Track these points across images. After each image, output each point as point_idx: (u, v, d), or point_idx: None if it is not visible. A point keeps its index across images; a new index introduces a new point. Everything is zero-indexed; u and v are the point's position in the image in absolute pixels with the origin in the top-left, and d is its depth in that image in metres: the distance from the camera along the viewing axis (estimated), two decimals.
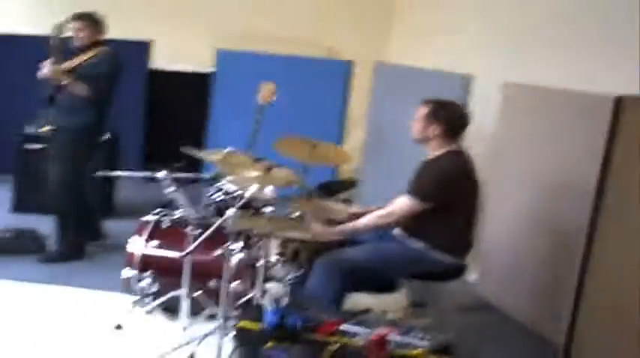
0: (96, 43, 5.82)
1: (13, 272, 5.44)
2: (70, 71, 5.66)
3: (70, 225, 5.92)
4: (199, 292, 4.43)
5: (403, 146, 5.43)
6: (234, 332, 3.47)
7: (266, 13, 9.33)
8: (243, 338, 3.37)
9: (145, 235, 4.75)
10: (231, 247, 3.94)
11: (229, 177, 4.68)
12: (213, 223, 3.86)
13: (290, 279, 4.53)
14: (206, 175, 4.53)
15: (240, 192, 4.58)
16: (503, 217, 5.63)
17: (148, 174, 4.53)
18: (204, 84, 8.65)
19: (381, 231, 4.56)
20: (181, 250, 4.22)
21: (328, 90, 8.26)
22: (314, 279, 4.26)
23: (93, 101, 5.70)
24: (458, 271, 4.48)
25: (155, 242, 4.68)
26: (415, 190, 4.29)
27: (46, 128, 6.70)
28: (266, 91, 5.64)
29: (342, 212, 4.75)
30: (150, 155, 8.83)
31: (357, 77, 8.22)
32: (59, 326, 4.61)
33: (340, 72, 8.25)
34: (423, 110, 4.38)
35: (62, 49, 5.57)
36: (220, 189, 4.74)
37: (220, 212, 4.65)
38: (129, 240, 4.77)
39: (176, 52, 9.05)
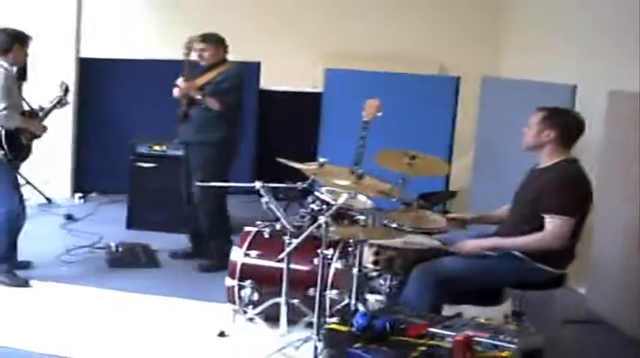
0: (220, 62, 6.12)
1: (125, 283, 5.68)
2: (200, 88, 6.00)
3: (217, 236, 6.16)
4: (296, 300, 4.50)
5: (512, 158, 5.41)
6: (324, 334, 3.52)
7: (373, 32, 9.42)
8: (332, 339, 3.43)
9: (246, 246, 4.88)
10: (324, 253, 3.99)
11: (324, 188, 4.76)
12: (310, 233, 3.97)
13: (388, 289, 4.58)
14: (299, 185, 4.59)
15: (334, 201, 4.65)
16: (613, 229, 5.50)
17: (244, 184, 4.67)
18: (313, 103, 8.80)
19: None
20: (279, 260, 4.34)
21: (436, 106, 8.25)
22: (410, 289, 4.27)
23: (224, 116, 6.01)
24: (558, 281, 4.39)
25: (255, 252, 4.81)
26: (567, 209, 4.16)
27: (158, 147, 7.07)
28: (371, 108, 5.67)
29: (439, 222, 4.76)
30: (260, 175, 9.01)
31: (466, 92, 8.19)
32: (167, 334, 4.81)
33: (448, 87, 8.24)
34: (538, 116, 4.32)
35: (192, 66, 5.92)
36: (317, 199, 4.82)
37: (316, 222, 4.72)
38: (231, 251, 4.92)
39: (285, 73, 9.25)
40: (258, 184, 4.34)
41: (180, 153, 6.62)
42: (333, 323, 3.66)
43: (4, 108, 5.25)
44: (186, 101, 6.09)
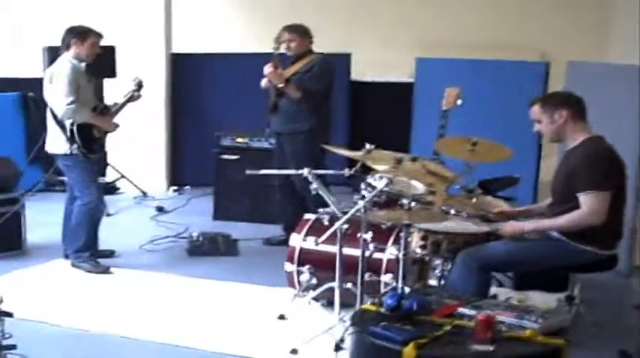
0: (306, 53, 6.32)
1: (200, 270, 5.97)
2: (288, 79, 6.19)
3: None
4: (350, 284, 4.62)
5: None
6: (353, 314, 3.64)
7: (469, 20, 9.38)
8: (359, 318, 3.54)
9: (304, 232, 5.04)
10: (364, 238, 4.11)
11: (377, 174, 4.85)
12: (361, 218, 4.12)
13: (440, 273, 4.66)
14: (346, 172, 4.71)
15: (386, 187, 4.74)
16: None
17: (293, 172, 4.83)
18: (405, 93, 8.83)
19: None
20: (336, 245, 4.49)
21: (526, 93, 8.11)
22: (455, 273, 4.34)
23: (312, 105, 6.19)
24: (608, 263, 4.36)
25: (312, 238, 4.94)
26: (593, 184, 4.12)
27: (241, 139, 7.30)
28: (450, 96, 5.71)
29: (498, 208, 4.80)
30: (353, 165, 9.13)
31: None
32: (230, 317, 5.05)
33: (537, 73, 8.11)
34: (537, 107, 4.34)
35: (279, 57, 6.13)
36: (369, 186, 4.92)
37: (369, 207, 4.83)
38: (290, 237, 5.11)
39: (376, 63, 9.33)
40: (305, 171, 4.48)
41: (264, 145, 6.87)
42: (368, 304, 3.76)
43: (71, 102, 5.52)
44: (275, 92, 6.31)
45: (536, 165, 7.63)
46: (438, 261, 4.72)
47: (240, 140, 7.49)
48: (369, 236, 4.40)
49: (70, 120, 5.57)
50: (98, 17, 9.42)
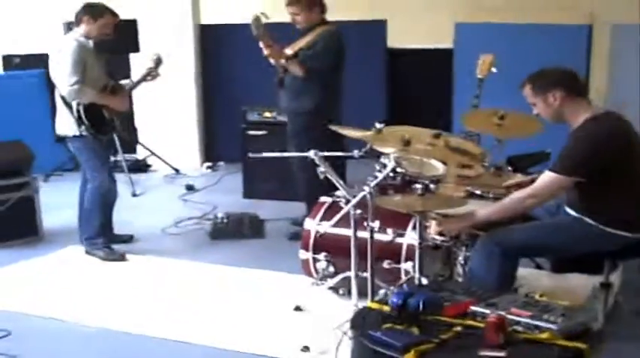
0: (317, 25, 5.87)
1: (219, 256, 5.71)
2: (295, 54, 5.80)
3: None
4: (366, 273, 4.31)
5: None
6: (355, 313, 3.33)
7: None
8: (360, 320, 3.23)
9: (319, 216, 4.73)
10: (371, 226, 3.80)
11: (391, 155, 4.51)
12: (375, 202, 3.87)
13: (463, 261, 4.32)
14: (356, 153, 4.36)
15: (396, 170, 4.41)
16: None
17: (297, 154, 4.53)
18: (444, 60, 8.45)
19: (553, 208, 4.19)
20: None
21: (568, 58, 7.70)
22: (475, 260, 4.00)
23: (318, 82, 5.78)
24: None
25: (328, 223, 4.63)
26: (557, 165, 3.86)
27: (269, 114, 7.00)
28: (485, 64, 5.37)
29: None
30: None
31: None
32: (244, 306, 4.77)
33: (579, 37, 7.68)
34: (527, 90, 3.99)
35: (265, 33, 5.62)
36: (385, 166, 4.58)
37: (384, 190, 4.51)
38: (304, 222, 4.80)
39: (414, 29, 8.93)
40: (311, 153, 4.17)
41: None
42: (374, 301, 3.45)
43: (75, 83, 5.25)
44: (282, 67, 5.94)
45: None
46: (462, 248, 4.35)
47: (267, 115, 7.20)
48: (382, 221, 4.05)
49: (77, 101, 5.30)
50: None
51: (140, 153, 8.70)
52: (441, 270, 4.63)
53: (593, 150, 3.81)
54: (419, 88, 8.93)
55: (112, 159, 7.94)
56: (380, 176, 3.96)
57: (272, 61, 5.91)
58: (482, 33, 8.03)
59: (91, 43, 5.48)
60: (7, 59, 8.80)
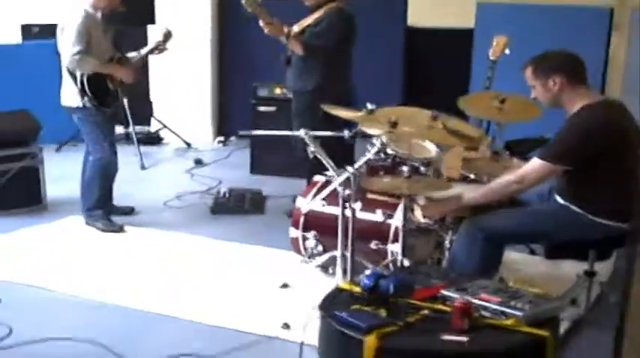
0: (326, 1, 5.76)
1: (217, 230, 5.74)
2: (302, 32, 5.74)
3: None
4: (348, 253, 4.31)
5: None
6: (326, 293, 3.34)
7: None
8: (330, 300, 3.24)
9: (311, 195, 4.74)
10: (353, 209, 3.81)
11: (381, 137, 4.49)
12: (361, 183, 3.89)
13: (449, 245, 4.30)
14: (346, 133, 4.36)
15: (389, 150, 4.40)
16: None
17: (287, 133, 4.54)
18: (464, 40, 8.34)
19: (545, 193, 4.16)
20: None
21: (589, 41, 7.57)
22: (457, 244, 3.99)
23: (322, 61, 5.70)
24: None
25: (318, 201, 4.63)
26: (545, 151, 3.85)
27: (279, 90, 6.98)
28: (498, 45, 5.32)
29: None
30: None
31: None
32: (234, 281, 4.82)
33: (601, 19, 7.53)
34: (529, 72, 3.94)
35: (262, 10, 5.62)
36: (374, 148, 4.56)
37: (375, 171, 4.50)
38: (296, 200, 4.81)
39: (434, 8, 8.82)
40: (302, 132, 4.17)
41: None
42: (346, 282, 3.45)
43: (77, 52, 5.25)
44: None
45: None
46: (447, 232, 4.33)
47: (278, 91, 7.18)
48: (372, 202, 4.05)
49: (80, 71, 5.33)
50: None
51: (153, 126, 8.72)
52: (433, 254, 4.62)
53: (585, 138, 3.77)
54: (438, 67, 8.81)
55: (124, 130, 8.05)
56: (364, 158, 3.94)
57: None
58: (504, 13, 7.88)
59: (99, 14, 5.49)
60: (26, 28, 8.83)
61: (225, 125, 8.90)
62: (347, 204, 4.05)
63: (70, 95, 5.46)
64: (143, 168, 7.45)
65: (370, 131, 4.12)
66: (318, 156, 4.19)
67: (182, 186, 6.80)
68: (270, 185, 6.73)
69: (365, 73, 8.64)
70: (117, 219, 5.76)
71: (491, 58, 5.26)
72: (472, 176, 4.42)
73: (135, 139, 7.77)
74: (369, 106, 4.13)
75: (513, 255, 4.93)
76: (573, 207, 3.86)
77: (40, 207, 6.07)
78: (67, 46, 5.31)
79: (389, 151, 4.43)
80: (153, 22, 8.08)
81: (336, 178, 4.06)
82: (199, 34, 8.58)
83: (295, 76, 5.92)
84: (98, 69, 5.41)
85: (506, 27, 7.08)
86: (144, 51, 5.90)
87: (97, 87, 5.41)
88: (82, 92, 5.36)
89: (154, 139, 8.53)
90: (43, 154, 6.11)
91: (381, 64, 8.60)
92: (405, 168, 3.96)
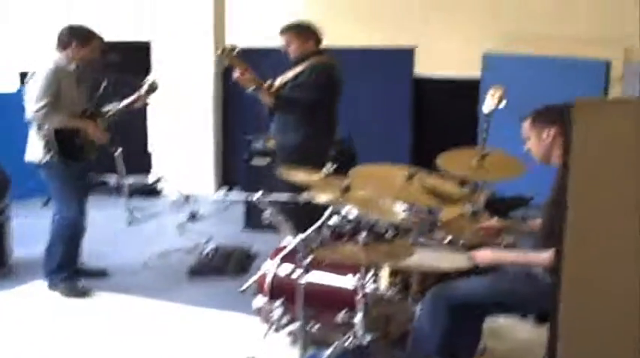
0: (311, 54, 5.53)
1: (189, 295, 5.39)
2: (284, 85, 5.51)
3: None
4: (315, 325, 3.94)
5: None
6: None
7: (540, 13, 8.48)
8: None
9: (277, 260, 4.36)
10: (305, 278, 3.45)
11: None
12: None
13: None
14: (303, 198, 4.01)
15: (353, 215, 4.04)
16: None
17: (240, 199, 4.21)
18: (471, 90, 8.06)
19: None
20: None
21: (586, 93, 7.28)
22: (423, 315, 3.59)
23: (303, 117, 5.43)
24: None
25: (290, 265, 4.24)
26: None
27: (270, 142, 6.68)
28: (493, 97, 4.97)
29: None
30: (417, 164, 8.41)
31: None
32: (200, 351, 4.47)
33: (598, 73, 7.30)
34: (527, 124, 3.66)
35: (239, 61, 5.45)
36: (337, 212, 4.19)
37: (339, 237, 4.13)
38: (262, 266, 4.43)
39: (441, 58, 8.60)
40: (257, 195, 3.83)
41: None
42: None
43: (43, 106, 4.97)
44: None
45: None
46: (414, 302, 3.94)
47: (272, 143, 6.85)
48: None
49: (46, 125, 5.06)
50: (133, 9, 9.12)
51: (151, 178, 8.46)
52: (400, 326, 4.19)
53: None
54: (445, 118, 8.56)
55: (116, 182, 7.78)
56: (313, 227, 3.58)
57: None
58: (510, 64, 7.76)
59: (72, 66, 5.23)
60: (24, 76, 8.67)
61: (228, 176, 8.62)
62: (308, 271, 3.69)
63: (35, 149, 5.16)
64: (131, 223, 7.16)
65: (319, 198, 3.73)
66: (273, 221, 3.84)
67: (169, 243, 6.48)
68: (263, 241, 6.32)
69: (372, 121, 8.39)
70: (87, 282, 5.41)
71: (485, 111, 4.89)
72: (448, 239, 4.03)
73: (126, 191, 7.48)
74: (328, 167, 3.79)
75: (501, 320, 4.52)
76: (548, 280, 3.44)
77: (3, 271, 5.69)
78: (32, 99, 5.05)
79: (350, 217, 4.07)
80: (147, 73, 7.86)
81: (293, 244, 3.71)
82: (201, 83, 8.36)
83: (278, 130, 5.63)
84: (64, 124, 5.12)
85: (512, 78, 6.84)
86: (122, 104, 5.60)
87: (64, 140, 5.11)
88: (48, 146, 5.07)
89: (151, 191, 8.26)
90: (10, 211, 5.78)
91: (388, 113, 8.37)
92: (361, 235, 3.57)
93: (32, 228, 6.03)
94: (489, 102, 4.86)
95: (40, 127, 5.12)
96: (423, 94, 8.56)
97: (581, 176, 2.03)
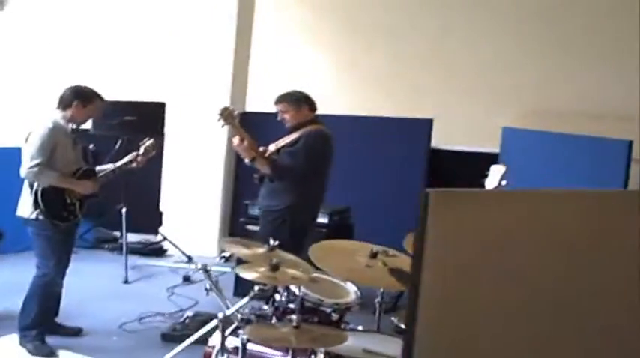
0: (306, 122, 5.61)
1: None
2: (278, 151, 5.60)
3: None
4: None
5: None
6: None
7: (559, 88, 8.37)
8: None
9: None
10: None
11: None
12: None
13: None
14: (260, 287, 3.97)
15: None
16: None
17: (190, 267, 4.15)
18: (489, 163, 7.93)
19: None
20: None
21: (607, 172, 7.08)
22: None
23: (292, 184, 5.50)
24: None
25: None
26: None
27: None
28: (494, 175, 4.88)
29: None
30: None
31: None
32: None
33: (619, 151, 7.04)
34: None
35: (238, 127, 5.57)
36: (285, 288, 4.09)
37: (283, 314, 4.03)
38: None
39: (459, 130, 8.53)
40: (200, 265, 3.78)
41: None
42: None
43: (36, 165, 5.02)
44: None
45: None
46: None
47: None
48: None
49: (37, 183, 5.10)
50: (152, 71, 9.24)
51: (158, 237, 8.46)
52: None
53: None
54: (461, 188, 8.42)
55: (119, 241, 7.80)
56: (239, 304, 3.49)
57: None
58: (528, 139, 7.57)
59: (70, 125, 5.30)
60: None
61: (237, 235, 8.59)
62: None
63: (25, 206, 5.22)
64: (126, 282, 7.13)
65: (245, 275, 3.65)
66: (215, 295, 3.77)
67: (154, 306, 6.39)
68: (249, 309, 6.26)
69: (388, 190, 8.30)
70: (61, 341, 5.38)
71: (487, 188, 4.79)
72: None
73: (125, 249, 7.46)
74: (271, 243, 3.72)
75: None
76: None
77: None
78: (27, 157, 5.10)
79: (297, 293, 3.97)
80: (161, 134, 7.92)
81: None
82: (214, 146, 8.38)
83: (265, 195, 5.68)
84: (56, 183, 5.16)
85: (529, 153, 6.74)
86: (117, 164, 5.65)
87: (52, 200, 5.15)
88: (36, 204, 5.11)
89: (156, 251, 8.24)
90: None
91: (404, 183, 8.28)
92: (293, 316, 3.47)
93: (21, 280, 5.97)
94: (490, 180, 4.77)
95: (31, 185, 5.16)
96: (438, 165, 8.42)
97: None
